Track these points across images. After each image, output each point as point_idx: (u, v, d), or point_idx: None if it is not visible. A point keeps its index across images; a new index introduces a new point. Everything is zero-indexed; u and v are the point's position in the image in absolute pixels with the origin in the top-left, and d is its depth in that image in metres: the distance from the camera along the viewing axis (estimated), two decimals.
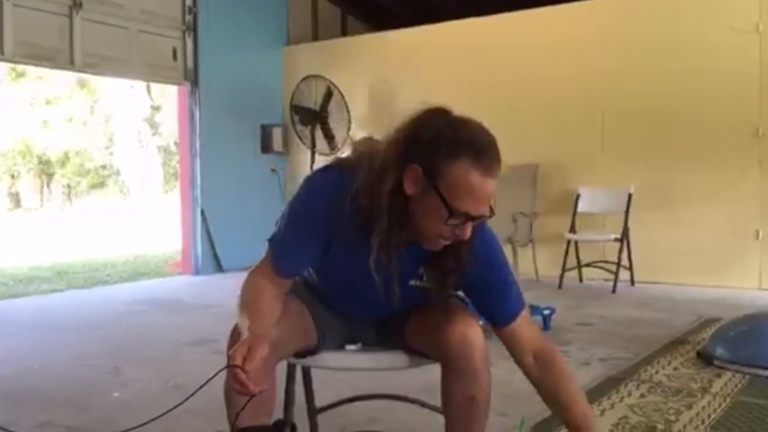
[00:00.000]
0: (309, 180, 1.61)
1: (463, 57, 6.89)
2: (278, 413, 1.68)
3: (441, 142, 1.43)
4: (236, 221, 6.89)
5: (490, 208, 1.48)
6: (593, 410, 1.56)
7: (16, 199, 23.70)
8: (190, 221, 7.09)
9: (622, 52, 6.16)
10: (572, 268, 6.03)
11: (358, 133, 5.98)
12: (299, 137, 7.08)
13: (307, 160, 7.02)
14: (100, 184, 24.06)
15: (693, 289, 5.63)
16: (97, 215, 18.75)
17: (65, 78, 18.28)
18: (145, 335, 4.37)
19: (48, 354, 3.86)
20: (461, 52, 6.91)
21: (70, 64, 6.10)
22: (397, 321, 1.72)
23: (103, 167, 23.30)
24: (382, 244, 1.48)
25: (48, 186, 24.37)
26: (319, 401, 2.15)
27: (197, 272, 7.04)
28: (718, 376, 3.09)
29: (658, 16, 6.06)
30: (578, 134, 6.35)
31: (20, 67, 16.46)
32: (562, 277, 5.91)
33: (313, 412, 2.14)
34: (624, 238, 5.78)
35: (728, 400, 2.75)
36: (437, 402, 1.66)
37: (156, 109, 20.80)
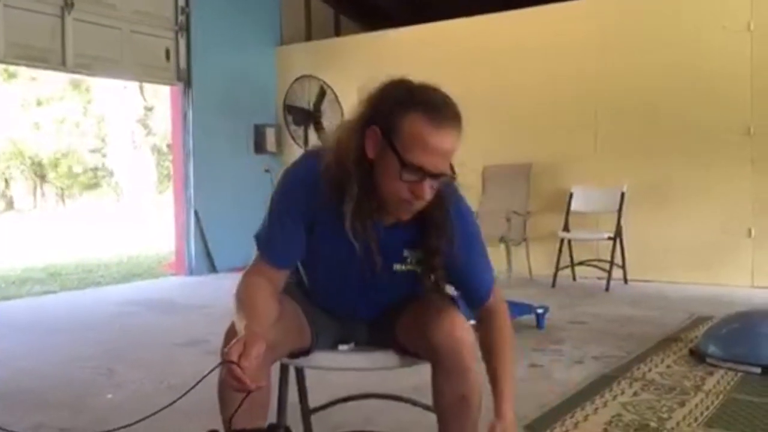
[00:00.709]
0: (286, 170, 1.65)
1: (457, 57, 6.89)
2: (271, 415, 1.68)
3: (397, 102, 1.48)
4: (230, 222, 6.87)
5: (452, 168, 1.50)
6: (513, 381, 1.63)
7: (8, 201, 23.61)
8: (184, 222, 7.08)
9: (616, 52, 6.18)
10: (565, 267, 6.05)
11: None
12: (292, 137, 7.07)
13: None
14: (94, 185, 24.00)
15: (686, 287, 5.65)
16: (91, 216, 18.70)
17: (57, 79, 18.22)
18: (138, 336, 4.36)
19: (41, 355, 3.85)
20: (455, 52, 6.91)
21: (62, 64, 6.08)
22: (388, 320, 1.72)
23: (96, 168, 23.24)
24: (354, 211, 1.51)
25: (41, 187, 24.29)
26: (313, 402, 2.15)
27: (191, 273, 7.02)
28: (711, 373, 3.10)
29: (651, 16, 6.08)
30: (571, 133, 6.37)
31: (12, 68, 16.40)
32: (555, 275, 5.93)
33: (306, 412, 2.13)
34: (617, 236, 5.80)
35: (721, 397, 2.77)
36: (430, 401, 1.67)
37: (149, 109, 20.76)
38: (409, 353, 1.71)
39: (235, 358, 1.35)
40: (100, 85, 18.99)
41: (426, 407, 1.72)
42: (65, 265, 8.86)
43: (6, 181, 23.34)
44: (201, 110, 7.05)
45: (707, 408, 2.64)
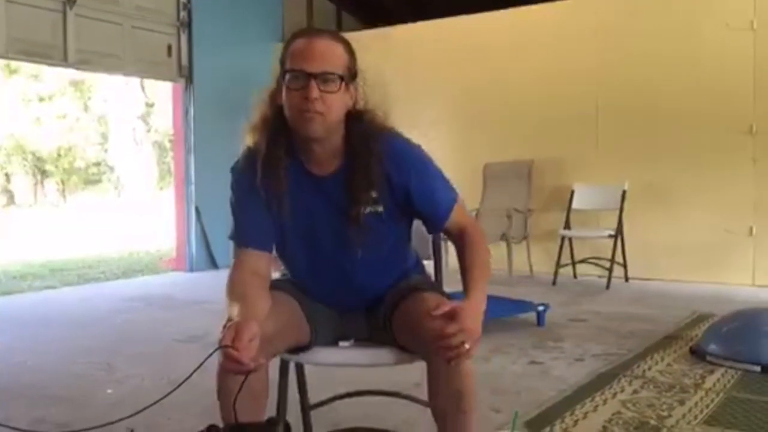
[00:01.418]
0: (231, 168, 1.75)
1: (458, 54, 6.89)
2: (271, 410, 1.68)
3: (284, 48, 1.64)
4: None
5: (351, 76, 1.64)
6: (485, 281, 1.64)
7: (9, 196, 23.63)
8: (185, 218, 7.08)
9: (617, 50, 6.17)
10: (566, 265, 6.05)
11: None
12: None
13: None
14: (94, 181, 24.02)
15: (686, 285, 5.65)
16: (91, 212, 18.71)
17: (59, 74, 18.22)
18: (138, 332, 4.37)
19: (41, 351, 3.85)
20: (456, 49, 6.91)
21: (63, 60, 6.08)
22: (387, 316, 1.72)
23: (97, 164, 23.25)
24: (263, 162, 1.64)
25: (42, 183, 24.31)
26: (312, 398, 2.15)
27: (191, 269, 7.03)
28: (711, 371, 3.10)
29: (653, 14, 6.06)
30: (573, 131, 6.36)
31: (13, 64, 16.40)
32: (556, 273, 5.93)
33: (306, 408, 2.14)
34: (618, 234, 5.80)
35: (721, 395, 2.77)
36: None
37: (150, 105, 20.76)
38: (408, 350, 1.71)
39: (228, 342, 1.39)
40: (102, 81, 18.99)
41: (425, 404, 1.72)
42: (66, 260, 8.87)
43: (7, 176, 23.36)
44: (202, 106, 7.04)
45: (707, 406, 2.64)
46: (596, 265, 5.94)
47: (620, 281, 5.84)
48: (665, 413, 2.56)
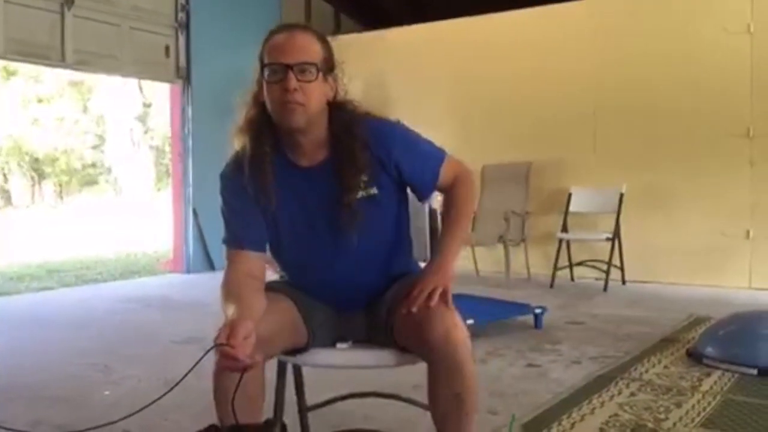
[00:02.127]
0: (220, 173, 1.78)
1: (456, 56, 6.90)
2: (268, 412, 1.68)
3: (262, 46, 1.69)
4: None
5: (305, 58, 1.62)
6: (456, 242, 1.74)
7: (6, 197, 23.59)
8: (182, 219, 7.07)
9: (615, 53, 6.18)
10: (564, 267, 6.05)
11: None
12: None
13: None
14: (92, 182, 23.98)
15: (683, 288, 5.66)
16: (89, 213, 18.68)
17: (57, 75, 18.20)
18: (136, 333, 4.36)
19: (39, 352, 3.84)
20: (454, 51, 6.92)
21: (61, 61, 6.07)
22: (386, 318, 1.72)
23: (94, 165, 23.22)
24: (250, 160, 1.67)
25: (39, 184, 24.27)
26: (310, 399, 2.15)
27: (188, 271, 7.02)
28: (708, 374, 3.11)
29: (651, 17, 6.08)
30: (570, 134, 6.37)
31: (12, 66, 16.38)
32: (553, 276, 5.93)
33: (303, 410, 2.14)
34: (615, 237, 5.80)
35: (717, 398, 2.77)
36: (428, 400, 1.66)
37: (148, 106, 20.74)
38: (407, 351, 1.71)
39: (224, 340, 1.40)
40: (100, 82, 18.98)
41: (424, 406, 1.72)
42: (63, 261, 8.85)
43: (4, 176, 23.32)
44: (200, 108, 7.04)
45: (704, 409, 2.64)
46: (593, 267, 5.95)
47: (617, 284, 5.84)
48: (662, 416, 2.56)
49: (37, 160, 22.56)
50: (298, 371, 2.04)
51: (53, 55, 5.98)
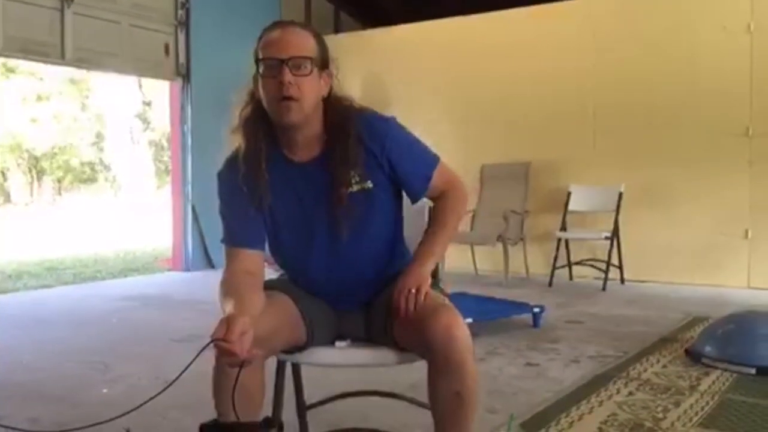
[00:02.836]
0: (217, 173, 1.80)
1: (456, 55, 6.90)
2: (267, 411, 1.68)
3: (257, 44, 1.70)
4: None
5: (299, 52, 1.63)
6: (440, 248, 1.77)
7: (5, 194, 23.57)
8: (181, 217, 7.07)
9: (614, 52, 6.18)
10: (562, 266, 6.05)
11: None
12: None
13: None
14: (91, 180, 23.97)
15: (682, 287, 5.66)
16: (87, 211, 18.67)
17: (56, 73, 18.18)
18: (134, 331, 4.36)
19: (37, 350, 3.84)
20: (453, 50, 6.91)
21: (61, 58, 6.06)
22: (384, 316, 1.72)
23: (93, 163, 23.20)
24: (244, 157, 1.68)
25: (38, 181, 24.26)
26: (309, 398, 2.15)
27: (188, 268, 7.02)
28: (706, 374, 3.11)
29: (650, 16, 6.08)
30: (570, 133, 6.37)
31: (11, 63, 16.37)
32: (552, 275, 5.93)
33: (302, 408, 2.14)
34: (614, 236, 5.81)
35: (716, 397, 2.77)
36: (427, 399, 1.66)
37: (147, 104, 20.73)
38: (406, 350, 1.71)
39: (220, 336, 1.40)
40: (100, 80, 18.97)
41: (423, 405, 1.72)
42: (61, 259, 8.85)
43: (3, 174, 23.30)
44: (200, 106, 7.03)
45: (702, 408, 2.64)
46: (592, 267, 5.95)
47: (616, 283, 5.85)
48: (660, 415, 2.57)
49: (36, 157, 22.54)
50: (297, 370, 2.04)
51: (53, 52, 5.98)
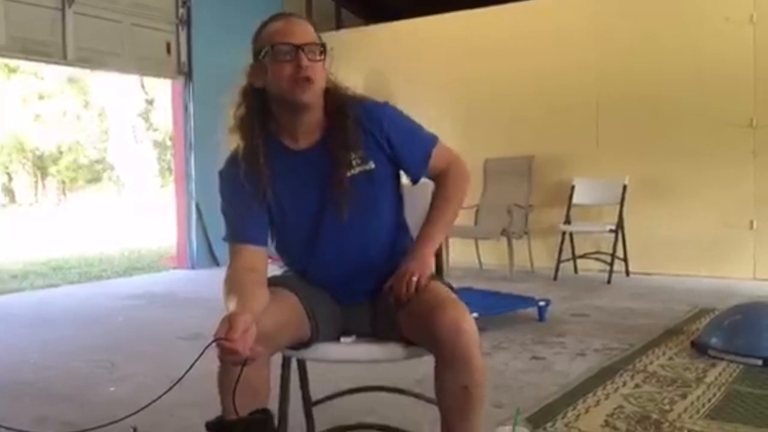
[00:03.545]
0: (219, 171, 1.83)
1: (458, 49, 6.88)
2: (273, 407, 1.68)
3: (255, 37, 1.77)
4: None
5: (311, 39, 1.68)
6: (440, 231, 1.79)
7: (10, 195, 23.63)
8: (185, 215, 7.08)
9: (618, 44, 6.16)
10: (567, 260, 6.05)
11: None
12: None
13: None
14: (95, 179, 24.01)
15: (687, 279, 5.65)
16: (92, 210, 18.71)
17: (59, 72, 18.20)
18: (140, 330, 4.37)
19: (43, 349, 3.85)
20: (456, 45, 6.90)
21: (62, 58, 6.07)
22: (390, 311, 1.72)
23: (97, 162, 23.23)
24: (244, 155, 1.72)
25: (42, 181, 24.31)
26: (315, 394, 2.15)
27: (192, 266, 7.03)
28: (713, 365, 3.11)
29: (653, 8, 6.06)
30: (573, 126, 6.36)
31: (13, 63, 16.39)
32: (557, 268, 5.93)
33: (308, 404, 2.14)
34: (619, 229, 5.79)
35: (723, 389, 2.77)
36: (433, 394, 1.66)
37: (150, 102, 20.74)
38: (412, 344, 1.70)
39: (222, 334, 1.40)
40: (101, 79, 18.96)
41: (429, 400, 1.72)
42: (67, 258, 8.87)
43: (8, 174, 23.35)
44: (202, 104, 7.03)
45: (709, 400, 2.64)
46: (597, 260, 5.95)
47: (621, 276, 5.84)
48: (667, 407, 2.56)
49: (40, 157, 22.58)
50: (302, 366, 2.05)
51: (54, 52, 5.98)
